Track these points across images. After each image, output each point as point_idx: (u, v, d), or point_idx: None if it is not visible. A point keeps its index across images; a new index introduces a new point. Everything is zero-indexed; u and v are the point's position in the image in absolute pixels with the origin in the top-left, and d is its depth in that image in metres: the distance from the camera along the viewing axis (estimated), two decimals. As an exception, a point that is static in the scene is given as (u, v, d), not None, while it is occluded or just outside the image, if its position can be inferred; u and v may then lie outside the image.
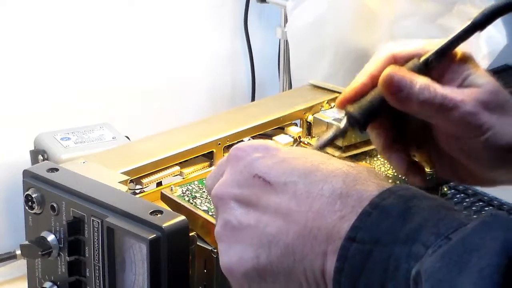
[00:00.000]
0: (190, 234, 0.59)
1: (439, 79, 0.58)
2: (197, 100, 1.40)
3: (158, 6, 1.29)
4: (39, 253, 0.62)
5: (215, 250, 0.61)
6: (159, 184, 0.74)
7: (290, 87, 1.38)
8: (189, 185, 0.68)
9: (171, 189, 0.67)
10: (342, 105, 0.60)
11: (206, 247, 0.62)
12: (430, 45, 0.59)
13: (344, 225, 0.47)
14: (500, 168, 0.59)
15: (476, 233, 0.42)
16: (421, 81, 0.56)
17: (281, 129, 0.84)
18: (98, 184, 0.63)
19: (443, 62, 0.58)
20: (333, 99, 0.86)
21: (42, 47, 1.14)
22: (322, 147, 0.61)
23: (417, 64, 0.58)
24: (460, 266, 0.41)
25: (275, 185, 0.50)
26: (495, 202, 0.81)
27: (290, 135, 0.83)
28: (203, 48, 1.39)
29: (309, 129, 0.84)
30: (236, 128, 0.79)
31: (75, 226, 0.61)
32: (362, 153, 0.77)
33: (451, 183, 0.77)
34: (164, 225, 0.56)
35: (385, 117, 0.60)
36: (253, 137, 0.81)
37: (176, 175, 0.75)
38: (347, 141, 0.76)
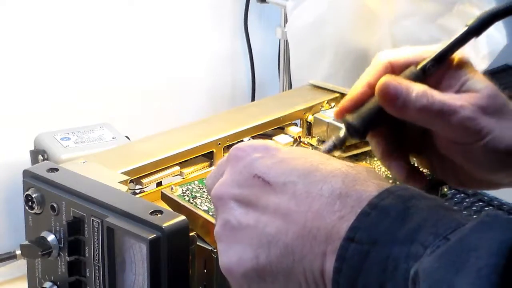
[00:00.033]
0: (190, 234, 0.59)
1: (437, 86, 0.58)
2: (197, 100, 1.40)
3: (158, 6, 1.29)
4: (39, 253, 0.62)
5: (215, 250, 0.61)
6: (159, 184, 0.74)
7: (290, 87, 1.38)
8: (189, 185, 0.68)
9: (171, 189, 0.67)
10: (341, 115, 0.60)
11: (206, 247, 0.62)
12: (427, 52, 0.59)
13: (343, 225, 0.47)
14: (500, 172, 0.59)
15: (474, 233, 0.42)
16: (417, 88, 0.56)
17: (281, 129, 0.84)
18: (98, 184, 0.63)
19: (441, 68, 0.58)
20: (333, 99, 0.86)
21: (42, 47, 1.15)
22: None
23: (414, 71, 0.58)
24: (458, 266, 0.41)
25: (274, 185, 0.50)
26: (495, 202, 0.82)
27: (290, 135, 0.83)
28: (203, 48, 1.39)
29: (309, 129, 0.84)
30: (236, 128, 0.79)
31: (75, 226, 0.61)
32: (362, 153, 0.77)
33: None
34: (164, 225, 0.56)
35: (384, 125, 0.60)
36: (253, 137, 0.81)
37: (176, 175, 0.75)
38: (347, 142, 0.76)
